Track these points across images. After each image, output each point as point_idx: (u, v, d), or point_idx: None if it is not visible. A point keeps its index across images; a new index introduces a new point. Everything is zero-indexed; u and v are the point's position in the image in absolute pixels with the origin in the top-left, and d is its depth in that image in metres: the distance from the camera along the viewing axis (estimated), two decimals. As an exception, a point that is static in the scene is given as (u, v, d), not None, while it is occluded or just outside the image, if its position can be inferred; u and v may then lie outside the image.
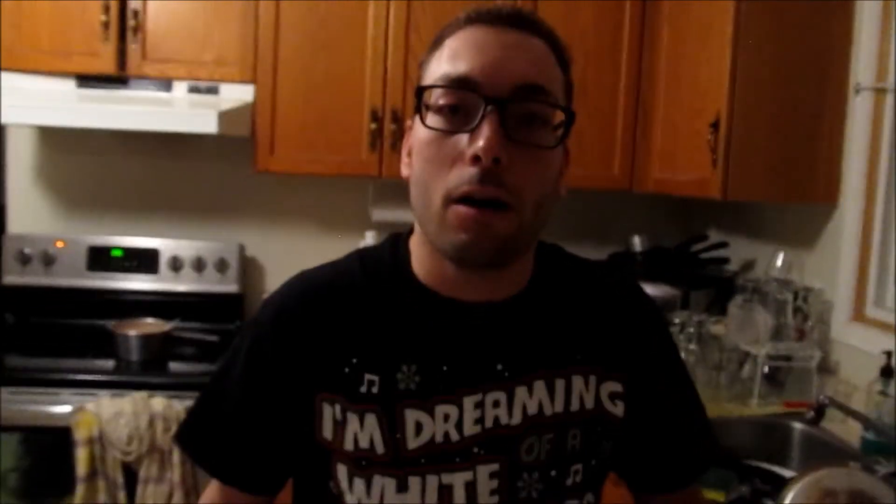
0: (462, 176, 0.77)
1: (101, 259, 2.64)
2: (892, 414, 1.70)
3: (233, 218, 2.83)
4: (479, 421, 0.84)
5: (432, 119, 0.80)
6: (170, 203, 2.80)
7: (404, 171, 0.87)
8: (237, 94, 2.43)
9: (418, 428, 0.84)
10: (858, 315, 2.03)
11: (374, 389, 0.84)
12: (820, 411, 1.66)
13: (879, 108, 1.98)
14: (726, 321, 2.18)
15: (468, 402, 0.84)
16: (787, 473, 1.70)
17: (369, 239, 2.65)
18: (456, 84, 0.79)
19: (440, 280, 0.86)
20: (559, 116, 0.82)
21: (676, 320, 2.18)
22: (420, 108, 0.81)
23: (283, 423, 0.87)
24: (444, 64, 0.81)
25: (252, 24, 2.42)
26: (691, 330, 2.16)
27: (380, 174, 2.47)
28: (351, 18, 2.43)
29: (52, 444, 2.11)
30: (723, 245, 2.57)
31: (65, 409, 2.09)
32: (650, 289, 2.32)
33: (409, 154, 0.85)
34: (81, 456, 2.04)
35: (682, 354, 2.11)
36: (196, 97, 2.43)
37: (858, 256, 2.02)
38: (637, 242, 2.68)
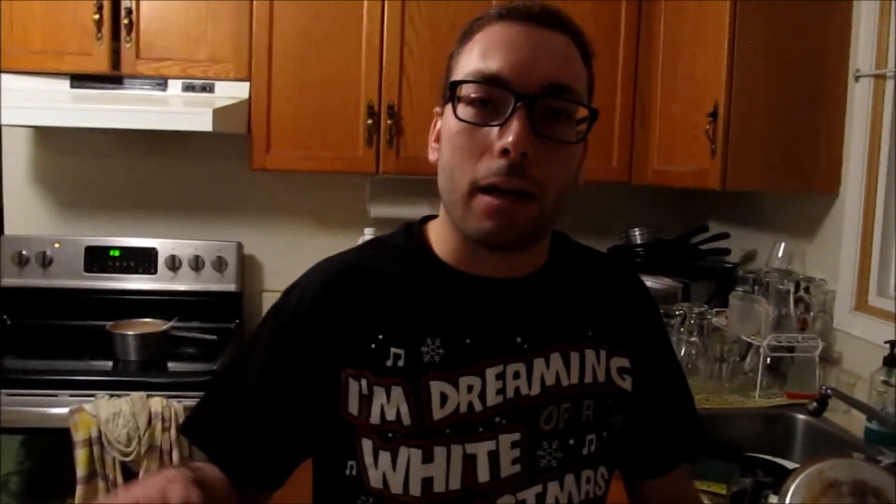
0: (490, 167, 0.82)
1: (98, 259, 2.63)
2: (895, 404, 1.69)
3: (230, 216, 2.81)
4: (501, 391, 0.88)
5: (463, 111, 0.85)
6: (167, 202, 2.79)
7: (432, 156, 0.93)
8: (232, 92, 2.42)
9: (443, 399, 0.87)
10: (861, 304, 2.01)
11: (400, 363, 0.87)
12: (823, 402, 1.64)
13: (879, 95, 1.96)
14: (727, 313, 2.16)
15: (490, 373, 0.88)
16: (789, 465, 1.68)
17: (368, 235, 2.63)
18: (488, 80, 0.83)
19: (462, 258, 0.91)
20: (582, 112, 0.88)
21: (677, 312, 2.16)
22: (452, 98, 0.86)
23: (306, 406, 0.89)
24: (476, 60, 0.85)
25: (246, 20, 2.40)
26: (692, 322, 2.14)
27: (377, 170, 2.46)
28: (346, 14, 2.41)
29: (51, 445, 2.09)
30: (723, 236, 2.55)
31: (63, 410, 2.07)
32: (651, 281, 2.32)
33: (437, 140, 0.91)
34: (81, 457, 2.03)
35: (684, 347, 2.12)
36: (191, 95, 2.41)
37: (860, 245, 2.00)
38: (637, 235, 2.68)
